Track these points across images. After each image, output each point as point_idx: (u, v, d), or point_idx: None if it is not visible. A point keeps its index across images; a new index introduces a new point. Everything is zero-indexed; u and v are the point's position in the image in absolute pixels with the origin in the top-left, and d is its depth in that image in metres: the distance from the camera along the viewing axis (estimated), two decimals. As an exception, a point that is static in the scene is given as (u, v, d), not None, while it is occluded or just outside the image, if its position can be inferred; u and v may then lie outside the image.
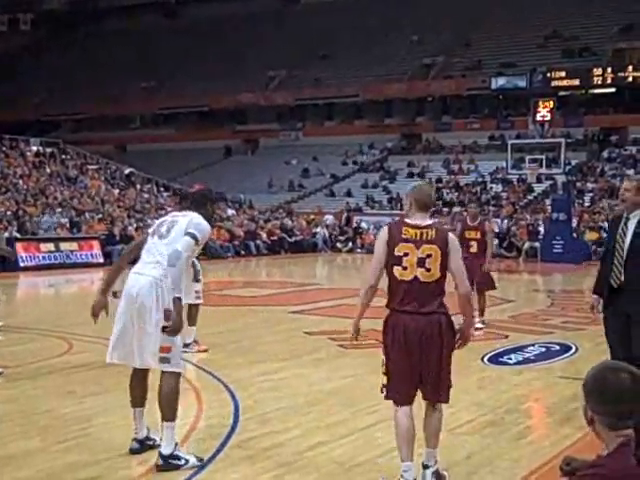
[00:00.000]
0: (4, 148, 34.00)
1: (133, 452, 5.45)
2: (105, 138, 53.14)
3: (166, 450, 5.16)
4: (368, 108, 49.36)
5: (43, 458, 5.38)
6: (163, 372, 5.25)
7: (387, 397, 4.88)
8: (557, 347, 9.75)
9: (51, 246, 22.57)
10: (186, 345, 9.37)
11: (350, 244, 31.06)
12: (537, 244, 26.57)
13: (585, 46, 43.59)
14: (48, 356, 8.98)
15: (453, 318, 4.83)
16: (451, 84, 46.16)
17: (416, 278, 4.67)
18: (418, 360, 4.69)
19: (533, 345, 9.62)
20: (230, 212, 34.23)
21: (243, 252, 27.61)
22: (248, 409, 6.63)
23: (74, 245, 23.12)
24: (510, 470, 5.30)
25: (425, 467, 4.88)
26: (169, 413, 5.20)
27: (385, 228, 4.87)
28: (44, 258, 22.10)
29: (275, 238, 29.95)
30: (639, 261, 5.73)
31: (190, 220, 5.36)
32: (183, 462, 5.16)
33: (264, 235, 29.88)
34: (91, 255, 23.19)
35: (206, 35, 56.40)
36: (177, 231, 5.30)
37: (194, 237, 5.26)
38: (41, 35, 65.67)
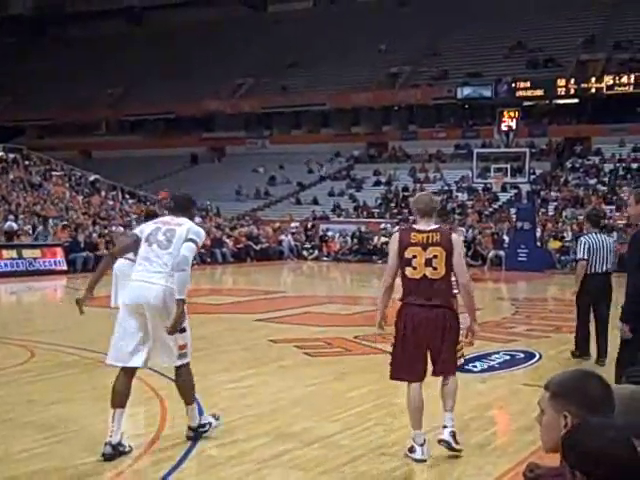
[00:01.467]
0: (-33, 153, 33.59)
1: (106, 458, 5.44)
2: (70, 144, 52.63)
3: (194, 423, 6.00)
4: (335, 117, 49.50)
5: (7, 467, 5.30)
6: (179, 366, 5.89)
7: (392, 377, 5.76)
8: (521, 355, 9.83)
9: (13, 253, 22.27)
10: None
11: (316, 252, 31.06)
12: (502, 252, 26.78)
13: (549, 57, 44.14)
14: (9, 364, 8.86)
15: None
16: (417, 93, 46.42)
17: (425, 276, 5.48)
18: (426, 343, 5.52)
19: (498, 353, 9.69)
20: (197, 219, 34.07)
21: (209, 260, 27.48)
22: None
23: (37, 252, 22.83)
24: (475, 477, 5.33)
25: (444, 427, 5.66)
26: (190, 397, 5.98)
27: (396, 235, 5.69)
28: (6, 265, 21.79)
29: (241, 246, 29.85)
30: None
31: (188, 229, 5.82)
32: (208, 427, 6.06)
33: (230, 243, 29.78)
34: (54, 262, 22.92)
35: (173, 42, 56.19)
36: (177, 241, 5.74)
37: (195, 242, 5.79)
38: (6, 40, 64.94)
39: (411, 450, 5.57)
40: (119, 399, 5.63)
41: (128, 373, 5.73)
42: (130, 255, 8.23)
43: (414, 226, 5.69)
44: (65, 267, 22.22)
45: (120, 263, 8.26)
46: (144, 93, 53.32)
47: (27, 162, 36.37)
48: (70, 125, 55.07)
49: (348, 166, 44.80)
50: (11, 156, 35.81)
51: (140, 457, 5.56)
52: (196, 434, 5.96)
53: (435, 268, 5.46)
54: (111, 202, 33.89)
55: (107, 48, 58.51)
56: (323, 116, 50.11)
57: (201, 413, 6.24)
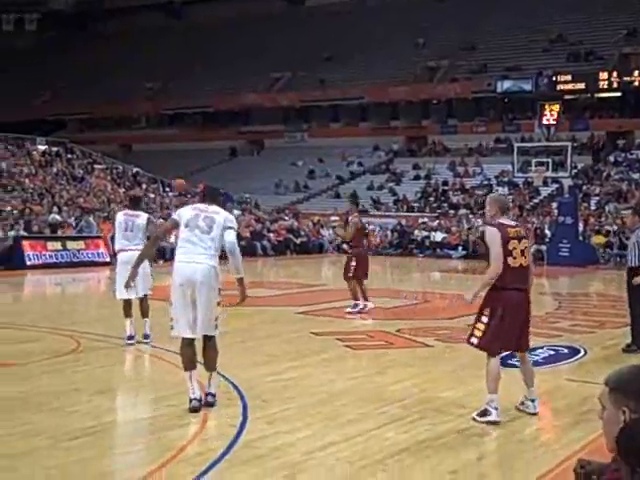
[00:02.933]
0: (11, 147, 34.07)
1: (193, 410, 6.38)
2: (110, 138, 53.20)
3: (214, 390, 6.65)
4: (373, 110, 49.32)
5: (54, 454, 5.36)
6: (209, 336, 6.62)
7: (479, 346, 6.45)
8: (565, 350, 9.72)
9: (58, 245, 22.58)
10: (146, 337, 9.48)
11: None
12: (544, 247, 26.50)
13: (590, 50, 43.50)
14: (55, 354, 8.97)
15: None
16: (456, 87, 46.04)
17: (521, 265, 6.36)
18: (520, 323, 6.45)
19: (542, 348, 9.57)
20: (236, 212, 34.26)
21: (249, 253, 27.55)
22: (256, 409, 6.60)
23: (80, 244, 23.12)
24: (522, 472, 5.27)
25: (532, 401, 6.57)
26: (215, 364, 6.68)
27: (495, 230, 6.35)
28: (50, 257, 22.10)
29: (281, 239, 29.92)
30: None
31: (225, 217, 6.65)
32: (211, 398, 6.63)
33: (271, 236, 29.86)
34: (97, 254, 23.19)
35: (211, 36, 56.43)
36: (217, 227, 6.55)
37: (234, 229, 6.71)
38: (47, 35, 65.74)
39: (484, 413, 6.25)
40: (190, 363, 6.56)
41: (191, 342, 6.57)
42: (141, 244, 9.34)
43: (502, 222, 6.46)
44: (107, 259, 22.42)
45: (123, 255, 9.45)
46: (183, 87, 53.61)
47: (70, 155, 36.84)
48: (110, 119, 55.62)
49: (387, 160, 44.65)
50: (54, 149, 36.30)
51: (184, 448, 5.58)
52: (214, 400, 6.58)
53: (526, 257, 6.42)
54: (152, 195, 34.16)
55: (146, 42, 58.98)
56: (361, 110, 49.95)
57: (245, 407, 6.37)
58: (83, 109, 55.63)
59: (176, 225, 6.74)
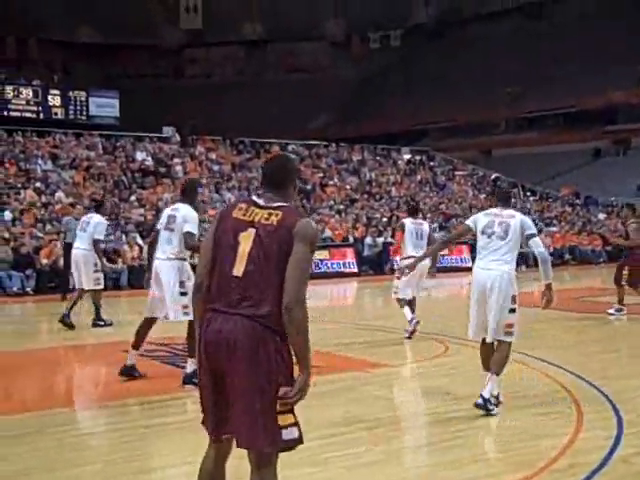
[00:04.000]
0: (378, 157, 36.07)
1: (476, 405, 6.45)
2: (470, 144, 53.91)
3: (487, 394, 6.47)
4: None
5: (427, 454, 5.60)
6: (502, 341, 6.64)
7: None
8: None
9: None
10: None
11: None
12: None
13: None
14: (426, 357, 9.34)
15: None
16: None
17: None
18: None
19: None
20: (601, 216, 32.98)
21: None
22: (631, 424, 6.30)
23: (444, 250, 23.80)
24: None
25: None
26: (500, 370, 6.59)
27: None
28: (416, 262, 23.02)
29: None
30: None
31: (522, 221, 6.64)
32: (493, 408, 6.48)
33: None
34: (460, 260, 23.72)
35: (572, 34, 54.73)
36: (513, 233, 6.59)
37: (537, 235, 6.77)
38: (410, 48, 68.48)
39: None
40: (483, 363, 6.83)
41: (488, 345, 6.78)
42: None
43: None
44: (470, 264, 22.75)
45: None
46: (543, 89, 52.64)
47: (432, 163, 38.04)
48: (470, 125, 56.36)
49: None
50: (417, 158, 37.73)
51: (556, 459, 5.50)
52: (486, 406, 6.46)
53: None
54: (512, 200, 34.04)
55: (505, 46, 58.87)
56: None
57: (619, 421, 6.12)
58: (444, 117, 57.04)
59: (468, 230, 6.98)
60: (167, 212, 7.88)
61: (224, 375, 3.46)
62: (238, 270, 3.49)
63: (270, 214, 3.54)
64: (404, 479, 5.08)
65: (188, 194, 7.83)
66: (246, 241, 3.51)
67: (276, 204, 3.58)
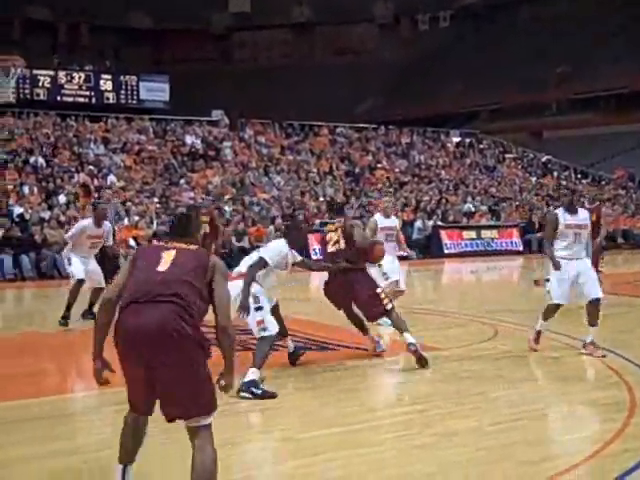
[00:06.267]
0: (427, 140, 35.85)
1: None
2: (520, 126, 53.17)
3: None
4: None
5: (480, 437, 5.62)
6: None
7: None
8: None
9: (473, 234, 23.35)
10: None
11: None
12: None
13: None
14: (477, 340, 9.33)
15: None
16: None
17: None
18: None
19: None
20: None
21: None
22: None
23: (494, 233, 23.65)
24: None
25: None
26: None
27: None
28: (466, 245, 22.93)
29: None
30: None
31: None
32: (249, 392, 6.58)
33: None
34: (510, 243, 23.53)
35: (621, 13, 53.55)
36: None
37: None
38: (459, 30, 67.69)
39: None
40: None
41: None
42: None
43: None
44: (521, 247, 22.66)
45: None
46: (594, 69, 51.68)
47: (481, 146, 37.69)
48: (520, 107, 55.56)
49: None
50: (467, 141, 37.42)
51: (610, 443, 5.48)
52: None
53: None
54: (564, 182, 33.63)
55: (555, 27, 57.89)
56: None
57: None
58: (494, 99, 56.34)
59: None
60: None
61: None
62: (162, 268, 4.03)
63: (188, 244, 4.20)
64: (457, 462, 5.10)
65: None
66: (169, 255, 4.10)
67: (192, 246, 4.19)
